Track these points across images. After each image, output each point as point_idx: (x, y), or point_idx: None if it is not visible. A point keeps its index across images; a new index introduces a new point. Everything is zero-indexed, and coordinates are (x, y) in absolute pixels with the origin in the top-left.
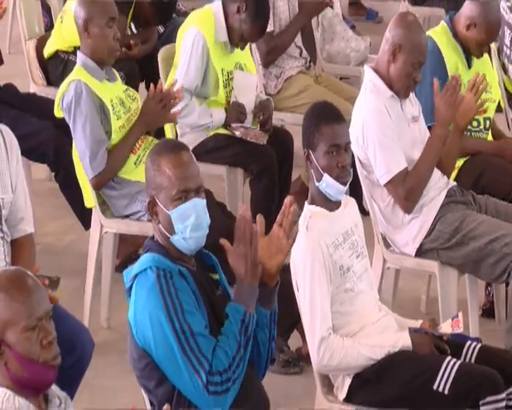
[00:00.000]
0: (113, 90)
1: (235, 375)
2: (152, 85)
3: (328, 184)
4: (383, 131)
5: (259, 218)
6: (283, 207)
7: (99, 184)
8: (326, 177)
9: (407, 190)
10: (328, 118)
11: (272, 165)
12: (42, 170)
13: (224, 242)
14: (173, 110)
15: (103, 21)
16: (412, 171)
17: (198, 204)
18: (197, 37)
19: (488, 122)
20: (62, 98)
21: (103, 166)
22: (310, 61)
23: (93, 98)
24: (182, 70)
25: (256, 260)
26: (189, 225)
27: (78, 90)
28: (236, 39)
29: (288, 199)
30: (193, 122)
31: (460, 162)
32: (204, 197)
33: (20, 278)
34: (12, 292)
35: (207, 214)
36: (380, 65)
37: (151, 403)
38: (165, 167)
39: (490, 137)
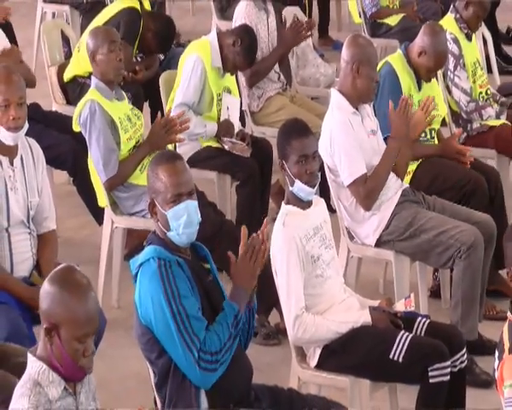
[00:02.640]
0: (121, 108)
1: (223, 359)
2: (159, 113)
3: (300, 188)
4: (347, 140)
5: (244, 229)
6: (262, 227)
7: (111, 186)
8: (297, 182)
9: (367, 190)
10: (296, 133)
11: (254, 175)
12: (62, 175)
13: (230, 254)
14: (179, 136)
15: (105, 49)
16: (372, 175)
17: (190, 205)
18: (197, 61)
19: (433, 132)
20: (79, 116)
21: (115, 172)
22: (286, 84)
23: (104, 115)
24: (183, 87)
25: (255, 275)
26: (181, 223)
27: (92, 109)
28: (229, 67)
29: (266, 220)
30: (189, 130)
31: (413, 167)
32: (195, 199)
33: (88, 295)
34: (76, 303)
35: (198, 214)
36: (343, 86)
37: (153, 372)
38: (161, 175)
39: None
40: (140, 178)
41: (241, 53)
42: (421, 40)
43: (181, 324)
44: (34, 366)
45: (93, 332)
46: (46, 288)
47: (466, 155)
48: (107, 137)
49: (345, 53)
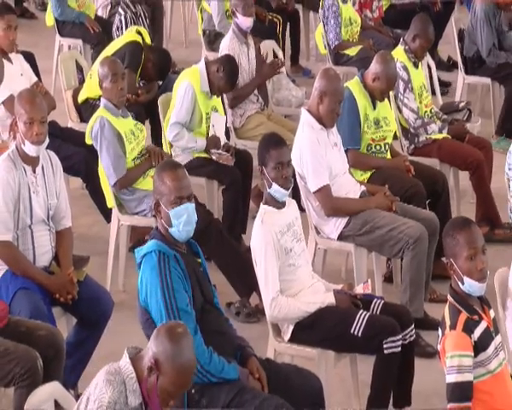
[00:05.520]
0: (125, 124)
1: (198, 370)
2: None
3: (276, 190)
4: (313, 155)
5: None
6: None
7: (120, 186)
8: (274, 185)
9: (335, 207)
10: (274, 144)
11: (237, 181)
12: (76, 181)
13: None
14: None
15: (108, 80)
16: (347, 200)
17: (189, 207)
18: (188, 87)
19: (387, 146)
20: (91, 130)
21: (123, 174)
22: (264, 105)
23: (112, 129)
24: (176, 109)
25: None
26: (182, 221)
27: (102, 123)
28: (215, 90)
29: None
30: (182, 145)
31: (367, 175)
32: (193, 202)
33: (193, 365)
34: (183, 371)
35: (195, 214)
36: (311, 107)
37: None
38: (166, 180)
39: (389, 156)
40: (142, 183)
41: (224, 78)
42: (374, 68)
43: (171, 313)
44: (127, 366)
45: (182, 392)
46: (164, 339)
47: (411, 171)
48: (115, 146)
49: (316, 80)
